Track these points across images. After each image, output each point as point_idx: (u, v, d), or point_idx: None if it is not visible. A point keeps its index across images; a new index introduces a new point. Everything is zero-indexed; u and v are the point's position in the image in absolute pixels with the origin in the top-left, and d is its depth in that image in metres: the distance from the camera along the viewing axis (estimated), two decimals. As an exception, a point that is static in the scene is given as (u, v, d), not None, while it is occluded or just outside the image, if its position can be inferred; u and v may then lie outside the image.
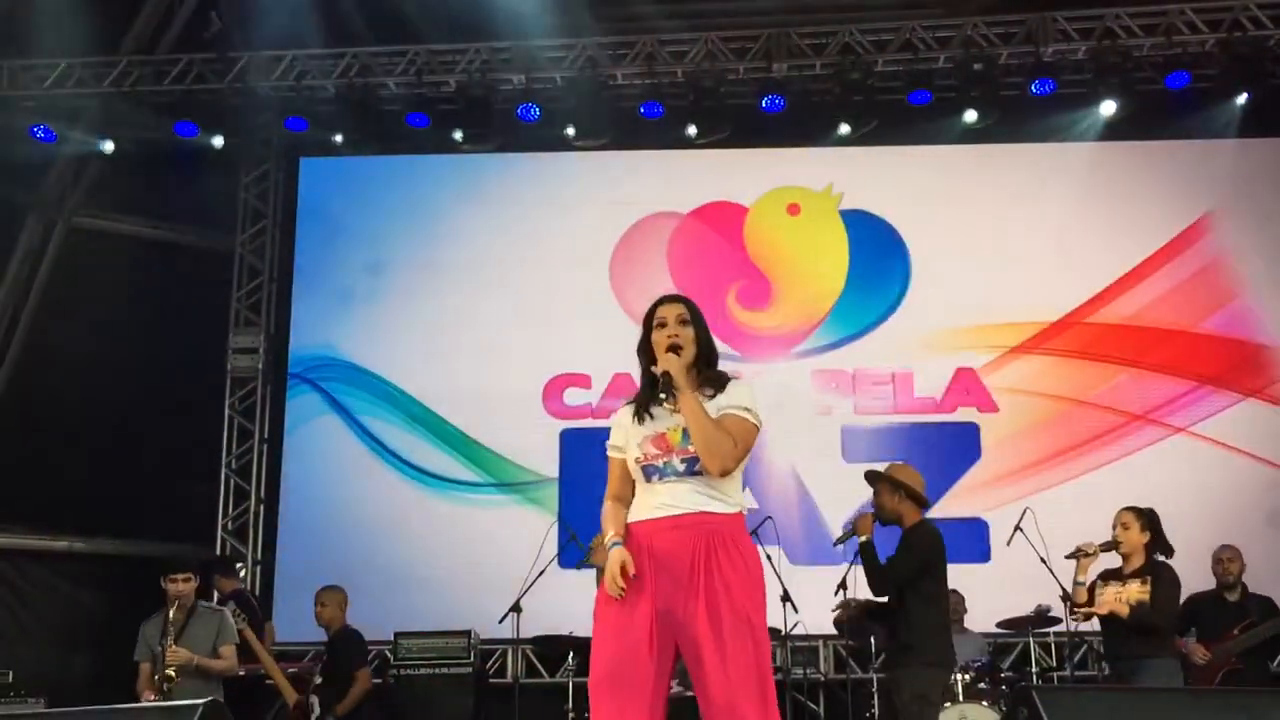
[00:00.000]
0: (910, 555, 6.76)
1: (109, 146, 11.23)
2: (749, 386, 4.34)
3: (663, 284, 11.40)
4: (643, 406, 4.32)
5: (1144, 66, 10.74)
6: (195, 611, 7.61)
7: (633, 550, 4.16)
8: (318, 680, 8.74)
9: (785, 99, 10.88)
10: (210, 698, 6.82)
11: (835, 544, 7.34)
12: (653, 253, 11.69)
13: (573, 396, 11.35)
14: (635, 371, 11.51)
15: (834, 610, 7.41)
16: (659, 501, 4.21)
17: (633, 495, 4.35)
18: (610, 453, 4.41)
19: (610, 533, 4.26)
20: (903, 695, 6.65)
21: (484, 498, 11.15)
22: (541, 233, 11.71)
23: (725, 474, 4.18)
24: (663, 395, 4.18)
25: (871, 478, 7.05)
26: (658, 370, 4.23)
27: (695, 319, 4.35)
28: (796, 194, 11.81)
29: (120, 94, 11.14)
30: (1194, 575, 7.97)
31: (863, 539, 6.86)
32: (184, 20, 11.65)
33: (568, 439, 11.22)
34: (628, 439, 4.33)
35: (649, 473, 4.24)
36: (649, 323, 4.39)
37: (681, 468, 4.19)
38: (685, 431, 4.19)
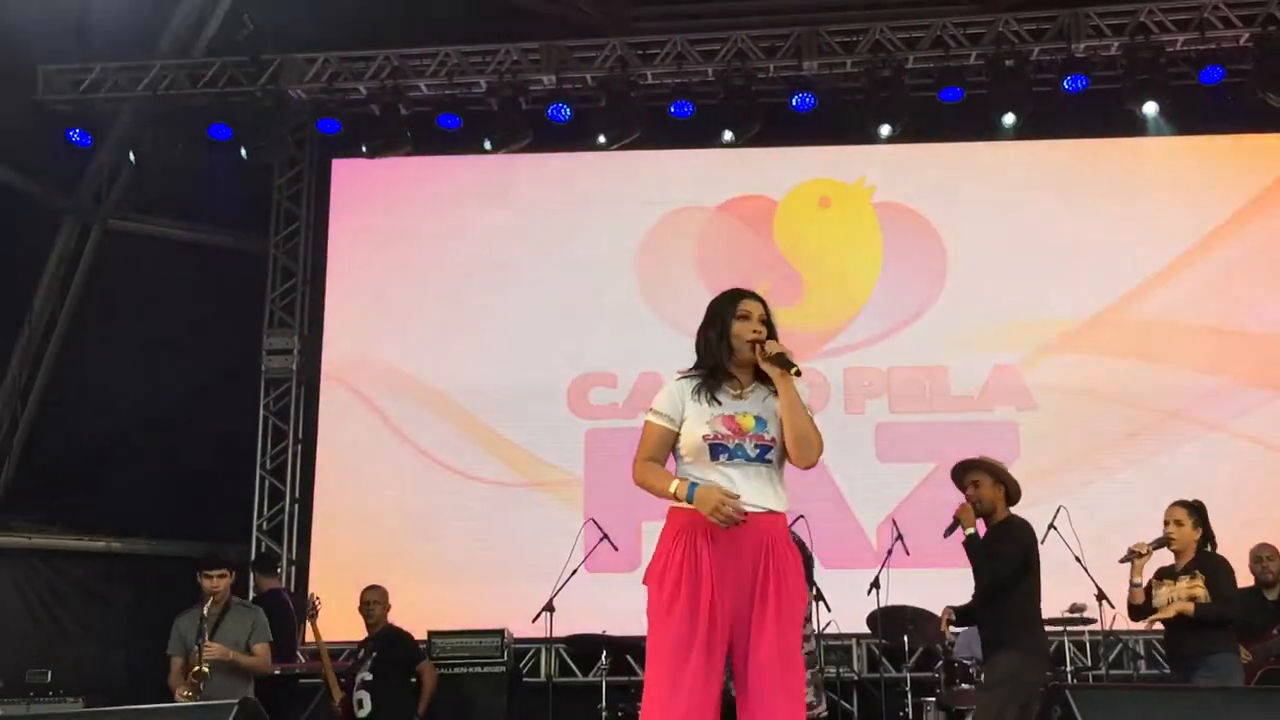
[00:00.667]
0: (1015, 550, 6.68)
1: (143, 150, 11.30)
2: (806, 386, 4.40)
3: (690, 280, 11.38)
4: (709, 388, 4.30)
5: (1177, 61, 10.66)
6: (230, 608, 7.66)
7: (688, 541, 4.15)
8: (368, 677, 8.74)
9: (816, 97, 10.85)
10: (242, 695, 6.94)
11: (945, 536, 7.04)
12: (680, 248, 11.63)
13: (599, 396, 11.33)
14: (662, 370, 11.45)
15: (943, 634, 7.33)
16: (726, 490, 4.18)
17: (664, 462, 4.34)
18: (655, 419, 4.33)
19: (675, 481, 4.21)
20: (994, 675, 6.58)
21: (518, 497, 11.16)
22: (571, 232, 11.74)
23: (809, 467, 4.26)
24: (795, 372, 4.21)
25: (970, 466, 6.92)
26: (767, 351, 4.23)
27: (771, 322, 4.40)
28: (828, 187, 11.73)
29: (155, 97, 11.22)
30: (1231, 574, 7.90)
31: (969, 532, 6.77)
32: (217, 24, 11.73)
33: (593, 439, 11.20)
34: (686, 414, 4.29)
35: (717, 451, 4.22)
36: (728, 308, 4.38)
37: (753, 453, 4.23)
38: (758, 419, 4.24)
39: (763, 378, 4.32)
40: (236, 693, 7.21)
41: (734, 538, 4.13)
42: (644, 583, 4.26)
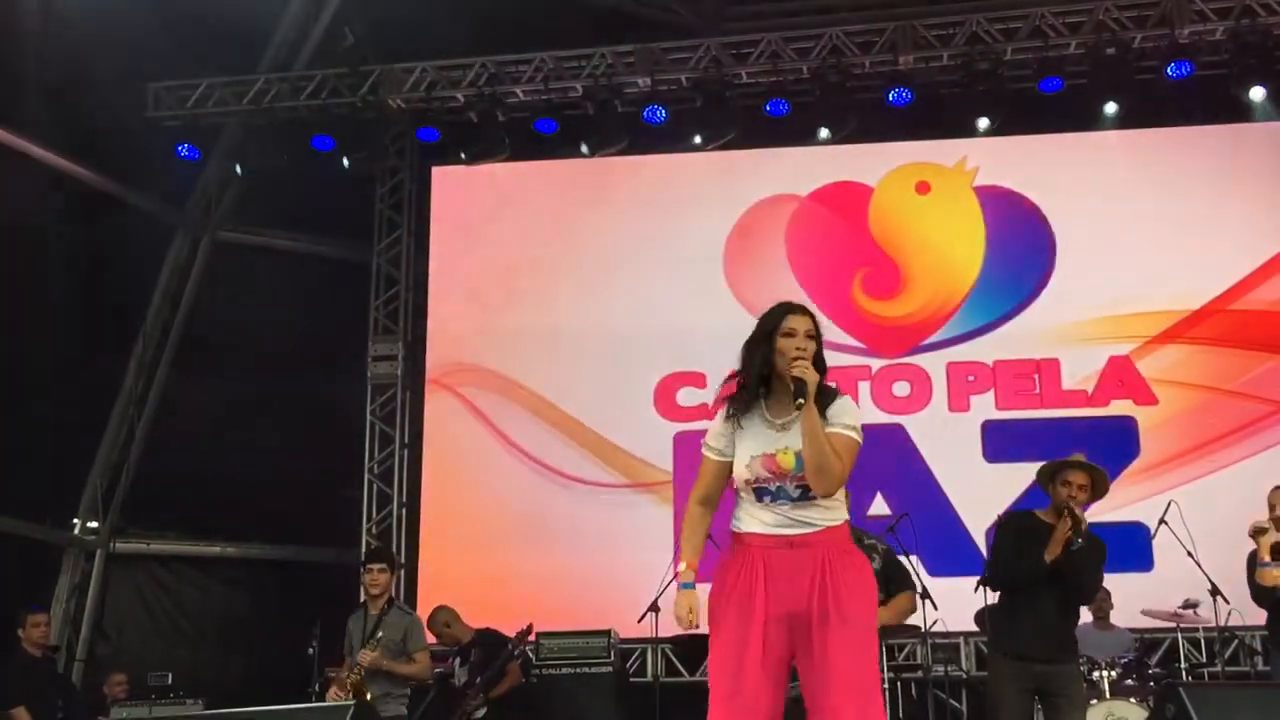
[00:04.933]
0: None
1: (249, 162, 11.55)
2: (851, 401, 4.28)
3: (781, 273, 11.31)
4: (740, 412, 4.26)
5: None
6: (389, 610, 7.65)
7: (745, 562, 4.16)
8: (477, 681, 8.62)
9: (913, 92, 10.75)
10: (398, 698, 7.07)
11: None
12: (770, 239, 11.53)
13: (687, 396, 11.26)
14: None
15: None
16: (774, 520, 4.18)
17: (719, 495, 4.35)
18: (708, 453, 4.33)
19: (684, 565, 4.23)
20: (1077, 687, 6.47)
21: (620, 499, 11.21)
22: (667, 232, 11.71)
23: (830, 495, 4.15)
24: (799, 402, 4.06)
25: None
26: (791, 373, 4.10)
27: (818, 335, 4.24)
28: (926, 171, 11.51)
29: (259, 111, 11.46)
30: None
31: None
32: (318, 37, 11.96)
33: (681, 442, 11.12)
34: (733, 448, 4.27)
35: (761, 494, 4.19)
36: (772, 326, 4.24)
37: (795, 494, 4.15)
38: (798, 456, 4.12)
39: (801, 396, 4.16)
40: (391, 696, 7.37)
41: (792, 561, 4.12)
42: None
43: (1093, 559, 6.15)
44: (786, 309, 4.28)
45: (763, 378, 4.24)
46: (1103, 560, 6.28)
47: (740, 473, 4.22)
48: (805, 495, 4.15)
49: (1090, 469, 6.17)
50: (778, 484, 4.16)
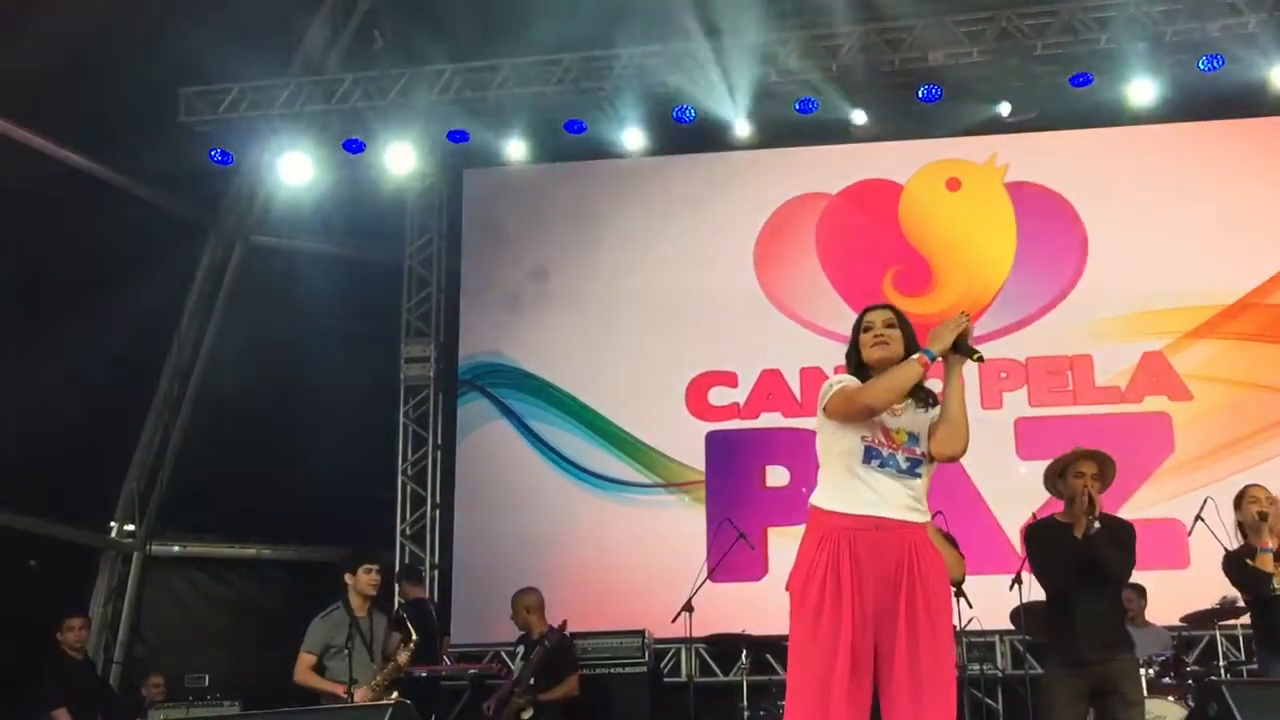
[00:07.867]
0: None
1: (281, 166, 11.60)
2: None
3: (812, 271, 11.31)
4: None
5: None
6: (374, 614, 7.73)
7: (831, 545, 4.20)
8: (531, 681, 8.72)
9: (943, 89, 10.71)
10: (397, 698, 7.11)
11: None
12: (801, 238, 11.51)
13: (719, 396, 11.26)
14: (783, 367, 11.32)
15: None
16: (868, 497, 4.24)
17: None
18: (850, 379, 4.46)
19: (915, 356, 4.38)
20: (1139, 688, 6.45)
21: (652, 498, 11.21)
22: (698, 231, 11.71)
23: (951, 459, 4.32)
24: (977, 358, 4.35)
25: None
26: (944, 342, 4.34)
27: (902, 324, 4.52)
28: (956, 168, 11.47)
29: (290, 115, 11.49)
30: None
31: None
32: (347, 40, 12.00)
33: (713, 442, 11.14)
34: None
35: (870, 455, 4.29)
36: (856, 330, 4.56)
37: (904, 466, 4.30)
38: (910, 434, 4.31)
39: (914, 394, 4.40)
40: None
41: (877, 544, 4.17)
42: (787, 589, 4.29)
43: (1114, 538, 6.18)
44: (864, 310, 4.62)
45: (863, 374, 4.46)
46: (1129, 539, 6.30)
47: (856, 430, 4.31)
48: (912, 470, 4.29)
49: (1096, 455, 6.27)
50: (889, 450, 4.29)
